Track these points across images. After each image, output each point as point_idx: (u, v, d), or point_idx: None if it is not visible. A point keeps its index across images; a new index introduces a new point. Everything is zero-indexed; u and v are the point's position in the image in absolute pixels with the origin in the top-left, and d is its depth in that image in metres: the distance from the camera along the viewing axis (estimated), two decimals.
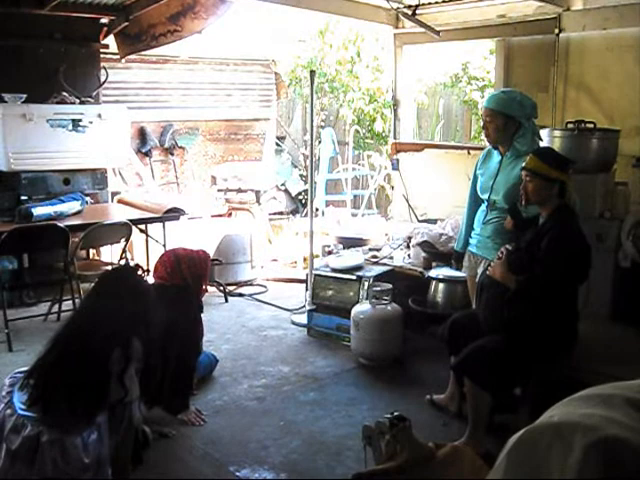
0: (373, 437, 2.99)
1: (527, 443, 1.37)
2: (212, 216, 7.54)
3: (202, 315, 4.28)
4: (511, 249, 3.58)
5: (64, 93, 6.37)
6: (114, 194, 6.87)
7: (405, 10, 6.45)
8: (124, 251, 5.83)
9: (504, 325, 3.47)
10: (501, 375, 3.43)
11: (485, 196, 4.10)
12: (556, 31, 5.53)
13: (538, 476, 1.31)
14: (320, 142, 9.24)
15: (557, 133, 4.71)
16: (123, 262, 5.78)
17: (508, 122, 3.93)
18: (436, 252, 5.33)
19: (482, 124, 4.11)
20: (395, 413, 3.00)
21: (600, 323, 4.32)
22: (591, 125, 4.61)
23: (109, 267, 5.82)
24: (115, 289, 3.17)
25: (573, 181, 3.58)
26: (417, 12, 6.33)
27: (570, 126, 4.67)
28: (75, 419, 2.80)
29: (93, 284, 3.33)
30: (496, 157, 4.11)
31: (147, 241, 6.12)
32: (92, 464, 2.83)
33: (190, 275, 4.10)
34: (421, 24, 6.27)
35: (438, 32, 6.20)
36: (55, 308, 5.66)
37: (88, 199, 6.23)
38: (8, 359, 4.83)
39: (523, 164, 3.60)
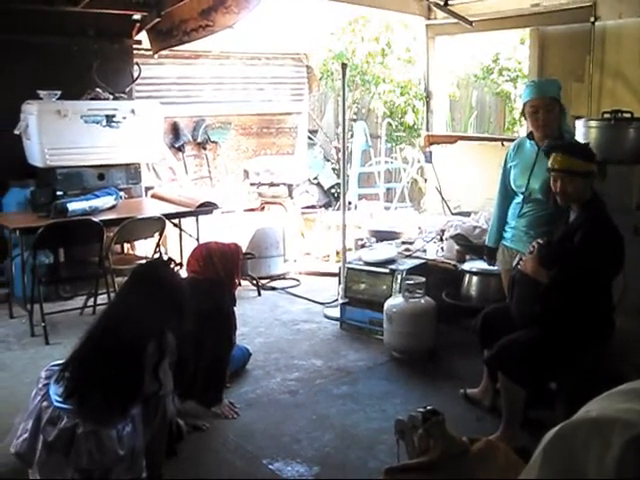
0: (406, 431, 2.97)
1: (564, 438, 1.34)
2: (245, 210, 7.56)
3: (235, 309, 4.28)
4: (543, 243, 3.52)
5: (98, 89, 6.42)
6: (148, 189, 6.92)
7: (437, 1, 6.39)
8: (158, 245, 5.87)
9: (537, 319, 3.43)
10: (535, 369, 3.39)
11: (521, 189, 3.99)
12: (592, 19, 5.43)
13: (574, 472, 1.28)
14: (352, 135, 9.21)
15: (593, 123, 4.62)
16: (157, 256, 5.82)
17: (561, 108, 3.89)
18: (470, 245, 5.27)
19: (538, 117, 3.87)
20: (428, 407, 2.98)
21: (637, 316, 4.24)
22: (628, 115, 4.51)
23: (143, 261, 5.88)
24: (149, 283, 3.18)
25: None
26: (449, 2, 6.27)
27: (606, 116, 4.58)
28: (110, 411, 2.83)
29: (127, 277, 3.35)
30: (530, 147, 4.00)
31: (181, 235, 6.16)
32: (127, 456, 2.86)
33: (222, 268, 4.11)
34: (453, 14, 6.21)
35: (471, 22, 6.14)
36: (91, 302, 5.72)
37: (122, 194, 6.29)
38: (45, 352, 4.90)
39: (549, 162, 3.50)
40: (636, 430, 1.24)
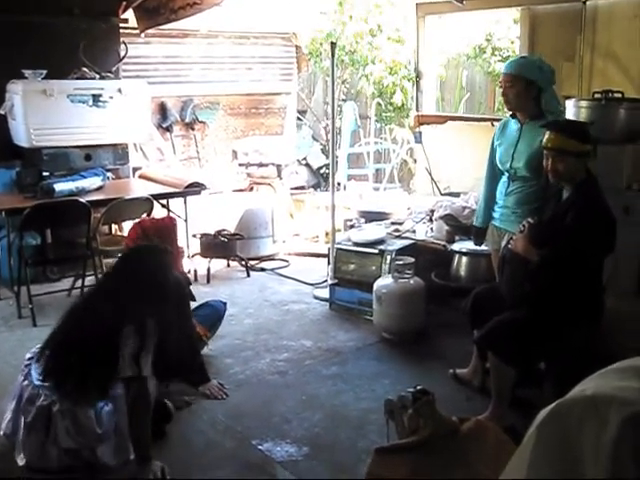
0: (395, 411, 2.96)
1: (559, 416, 1.33)
2: (233, 191, 7.52)
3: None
4: (533, 222, 3.51)
5: (84, 69, 6.33)
6: (135, 169, 6.86)
7: None
8: None
9: (526, 298, 3.42)
10: (525, 349, 3.38)
11: (506, 166, 4.00)
12: None
13: (569, 450, 1.27)
14: (341, 116, 9.16)
15: (584, 103, 4.61)
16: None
17: (528, 87, 3.84)
18: (459, 225, 5.27)
19: (502, 91, 4.01)
20: (418, 387, 2.98)
21: (627, 297, 4.25)
22: (619, 95, 4.50)
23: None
24: (134, 268, 3.17)
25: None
26: None
27: (597, 96, 4.56)
28: (86, 390, 2.83)
29: (115, 261, 3.34)
30: (514, 126, 4.02)
31: (169, 215, 6.10)
32: (107, 435, 2.86)
33: (160, 244, 4.07)
34: None
35: (462, 1, 6.08)
36: (78, 283, 5.67)
37: (109, 174, 6.23)
38: (33, 334, 4.87)
39: (544, 140, 3.49)
40: (633, 408, 1.23)
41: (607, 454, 1.20)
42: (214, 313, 4.57)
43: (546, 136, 3.45)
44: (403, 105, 9.27)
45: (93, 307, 3.00)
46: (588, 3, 5.40)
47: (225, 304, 4.73)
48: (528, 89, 3.84)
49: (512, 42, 9.12)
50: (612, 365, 1.45)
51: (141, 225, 4.22)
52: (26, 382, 2.89)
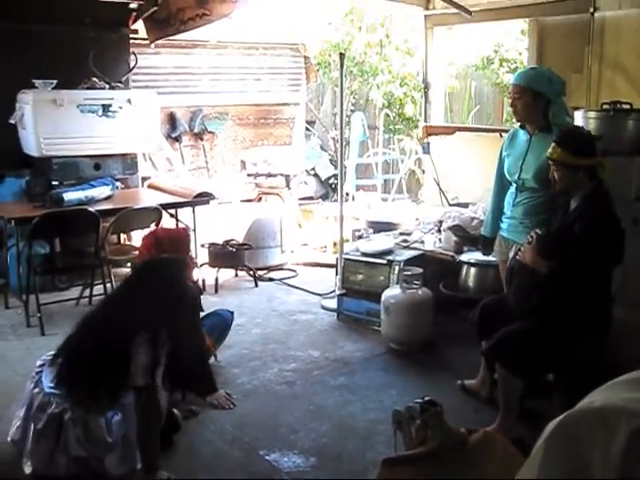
0: (403, 422, 2.95)
1: (567, 428, 1.32)
2: (242, 201, 7.54)
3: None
4: (541, 233, 3.50)
5: (94, 78, 6.38)
6: (144, 179, 6.89)
7: None
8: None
9: (535, 310, 3.42)
10: (533, 360, 3.37)
11: (514, 177, 3.99)
12: (591, 10, 5.39)
13: (578, 462, 1.26)
14: (350, 126, 9.18)
15: (592, 114, 4.60)
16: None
17: (537, 98, 3.83)
18: (467, 236, 5.26)
19: (511, 102, 4.00)
20: (426, 398, 2.97)
21: (635, 308, 4.22)
22: (627, 106, 4.49)
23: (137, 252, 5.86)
24: (149, 278, 3.18)
25: (604, 161, 3.48)
26: None
27: (605, 107, 4.56)
28: (98, 399, 2.83)
29: (130, 271, 3.35)
30: (523, 136, 4.01)
31: (177, 226, 6.12)
32: (116, 444, 2.86)
33: (174, 254, 4.07)
34: (453, 4, 6.17)
35: (470, 12, 6.10)
36: (86, 292, 5.70)
37: (118, 184, 6.26)
38: (41, 343, 4.88)
39: (549, 153, 3.50)
40: None
41: (616, 466, 1.20)
42: (221, 322, 4.57)
43: (551, 148, 3.47)
44: (413, 116, 9.30)
45: (107, 316, 3.01)
46: (596, 15, 5.40)
47: (232, 313, 4.73)
48: (536, 101, 3.84)
49: (520, 53, 9.13)
50: (620, 377, 1.44)
51: (155, 235, 4.21)
52: (37, 389, 2.89)
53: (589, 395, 1.41)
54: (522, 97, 3.86)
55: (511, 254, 3.92)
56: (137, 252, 4.25)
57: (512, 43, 9.21)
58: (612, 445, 1.22)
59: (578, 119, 4.50)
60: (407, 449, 2.93)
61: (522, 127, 4.03)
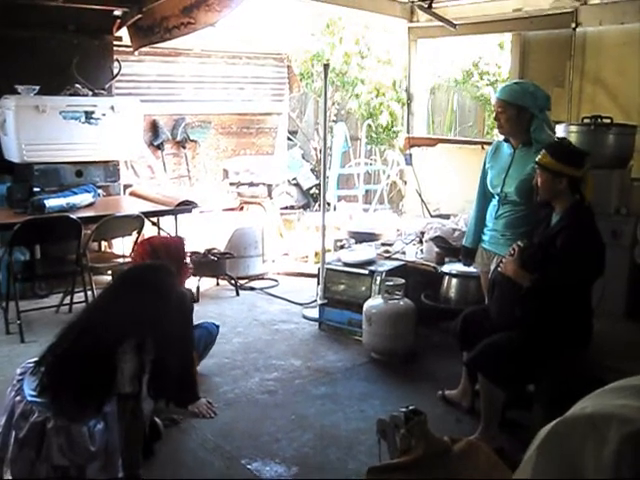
0: (388, 431, 2.96)
1: (560, 434, 1.34)
2: (224, 210, 7.53)
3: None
4: (523, 246, 3.53)
5: (77, 85, 6.35)
6: (126, 187, 6.87)
7: (421, 3, 6.41)
8: (136, 244, 5.81)
9: (516, 322, 3.44)
10: (514, 371, 3.39)
11: (496, 190, 4.00)
12: (573, 25, 5.50)
13: (571, 467, 1.28)
14: (332, 136, 9.21)
15: (573, 128, 4.67)
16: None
17: (521, 113, 3.84)
18: (449, 247, 5.29)
19: (494, 115, 4.02)
20: (410, 407, 2.98)
21: (615, 320, 4.29)
22: (608, 120, 4.56)
23: (121, 259, 5.83)
24: (135, 287, 3.16)
25: (591, 176, 3.52)
26: (432, 5, 6.30)
27: (586, 121, 4.63)
28: (81, 408, 2.81)
29: (114, 278, 3.32)
30: (507, 150, 4.03)
31: (159, 234, 6.10)
32: (99, 453, 2.84)
33: (169, 263, 4.06)
34: (437, 17, 6.24)
35: (454, 25, 6.16)
36: (67, 300, 5.65)
37: (100, 191, 6.23)
38: (20, 350, 4.84)
39: (537, 158, 3.54)
40: (633, 426, 1.24)
41: (607, 471, 1.22)
42: (207, 336, 4.53)
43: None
44: (390, 126, 9.35)
45: (92, 323, 2.98)
46: (578, 30, 5.49)
47: (218, 327, 4.71)
48: (520, 115, 3.85)
49: (499, 67, 9.23)
50: (609, 385, 1.46)
51: (150, 243, 4.17)
52: (18, 398, 2.86)
53: (580, 402, 1.43)
54: (506, 112, 3.88)
55: (493, 266, 3.95)
56: (129, 259, 4.21)
57: (490, 57, 9.30)
58: (603, 450, 1.24)
59: (560, 133, 4.56)
60: (391, 458, 2.94)
61: (506, 140, 4.05)
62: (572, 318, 3.41)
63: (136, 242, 5.49)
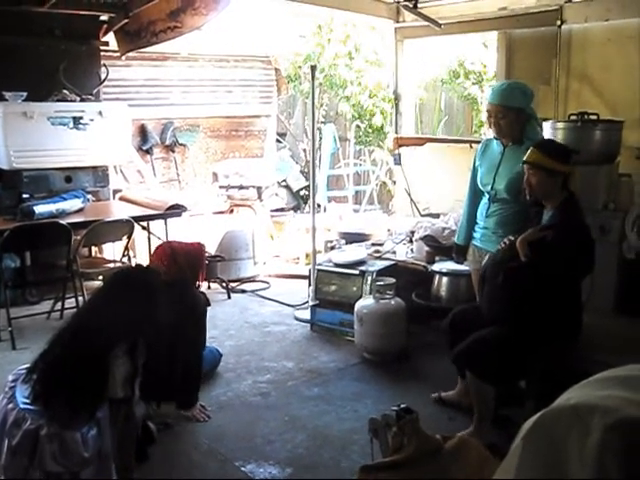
0: (380, 430, 2.97)
1: (544, 426, 1.36)
2: (214, 213, 7.53)
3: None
4: (514, 239, 3.54)
5: (65, 91, 6.35)
6: (116, 192, 6.86)
7: (406, 3, 6.43)
8: (126, 248, 5.82)
9: (506, 317, 3.45)
10: (502, 366, 3.41)
11: (487, 188, 4.01)
12: (558, 23, 5.51)
13: (556, 458, 1.30)
14: (321, 138, 9.22)
15: (560, 125, 4.69)
16: (125, 260, 5.77)
17: (519, 115, 3.85)
18: (439, 246, 5.31)
19: (491, 120, 3.94)
20: (402, 405, 2.99)
21: (604, 315, 4.30)
22: (594, 117, 4.59)
23: (112, 264, 5.82)
24: (123, 287, 3.15)
25: (577, 172, 3.54)
26: (418, 5, 6.32)
27: (573, 118, 4.65)
28: (75, 414, 2.80)
29: (103, 282, 3.32)
30: (496, 148, 4.03)
31: (149, 238, 6.10)
32: (92, 459, 2.83)
33: (187, 268, 4.07)
34: (423, 16, 6.25)
35: (440, 24, 6.18)
36: (58, 306, 5.64)
37: (90, 197, 6.22)
38: (12, 357, 4.83)
39: (527, 157, 3.55)
40: (615, 415, 1.26)
41: (591, 461, 1.23)
42: (212, 359, 4.58)
43: (528, 152, 3.52)
44: (382, 127, 9.37)
45: (84, 328, 2.98)
46: (563, 27, 5.51)
47: (221, 355, 4.74)
48: (519, 117, 3.86)
49: (484, 66, 9.26)
50: (593, 376, 1.48)
51: (171, 246, 4.18)
52: (11, 405, 2.85)
53: (564, 394, 1.45)
54: (506, 116, 3.85)
55: (484, 262, 3.96)
56: (150, 260, 4.22)
57: (476, 56, 9.33)
58: (587, 441, 1.26)
59: (547, 130, 4.58)
60: (384, 456, 2.95)
61: (496, 137, 4.04)
62: (562, 313, 3.42)
63: (126, 247, 5.49)
